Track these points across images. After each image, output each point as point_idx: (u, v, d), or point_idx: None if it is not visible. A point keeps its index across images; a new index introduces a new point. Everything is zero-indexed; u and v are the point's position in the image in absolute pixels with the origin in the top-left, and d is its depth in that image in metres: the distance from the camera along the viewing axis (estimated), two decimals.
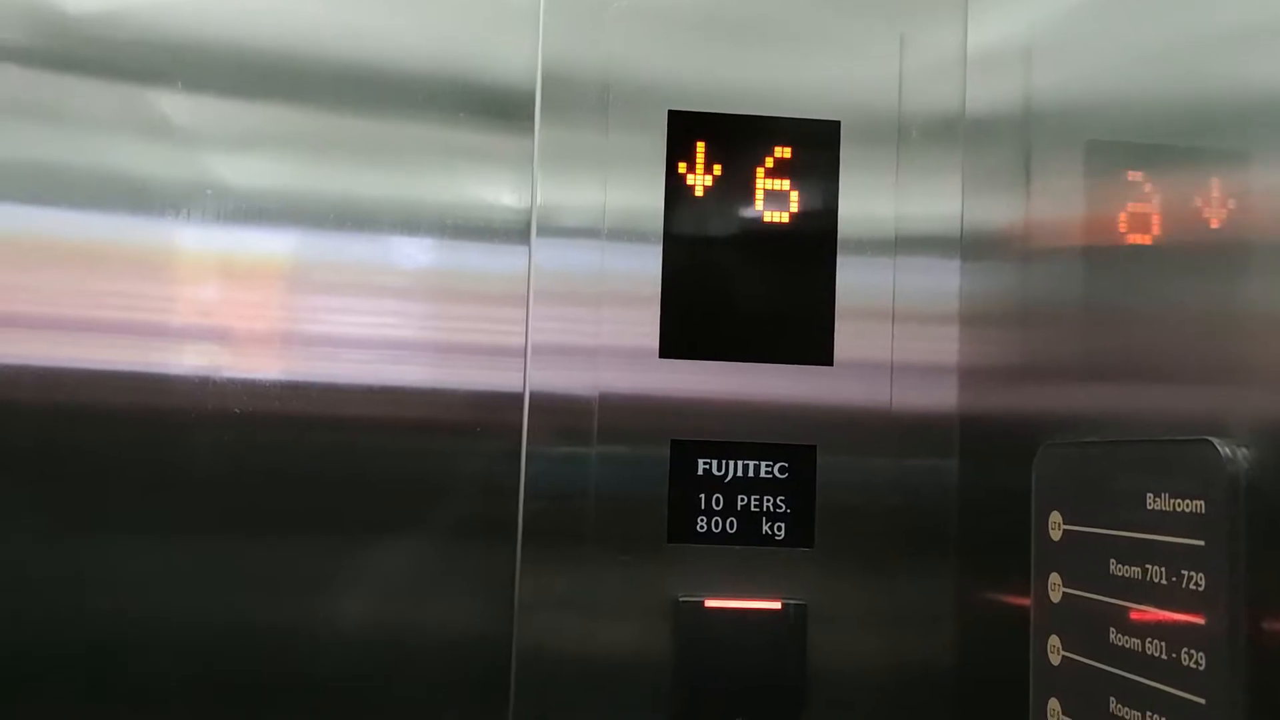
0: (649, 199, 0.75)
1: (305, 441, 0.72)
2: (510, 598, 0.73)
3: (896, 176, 0.77)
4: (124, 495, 0.71)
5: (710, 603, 0.73)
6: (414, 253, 0.75)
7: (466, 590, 0.73)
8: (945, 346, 0.76)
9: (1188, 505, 0.48)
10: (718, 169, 0.76)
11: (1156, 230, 0.55)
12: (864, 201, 0.76)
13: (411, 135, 0.75)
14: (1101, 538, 0.54)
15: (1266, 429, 0.46)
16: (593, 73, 0.75)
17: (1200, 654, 0.46)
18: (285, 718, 0.72)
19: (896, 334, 0.76)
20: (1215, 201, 0.50)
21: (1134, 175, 0.57)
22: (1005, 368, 0.71)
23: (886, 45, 0.77)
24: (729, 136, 0.76)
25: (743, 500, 0.75)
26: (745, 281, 0.76)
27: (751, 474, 0.75)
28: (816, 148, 0.77)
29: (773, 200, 0.76)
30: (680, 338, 0.75)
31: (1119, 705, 0.52)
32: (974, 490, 0.74)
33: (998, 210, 0.73)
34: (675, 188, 0.76)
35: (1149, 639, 0.50)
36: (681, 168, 0.76)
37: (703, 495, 0.75)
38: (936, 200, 0.77)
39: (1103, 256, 0.60)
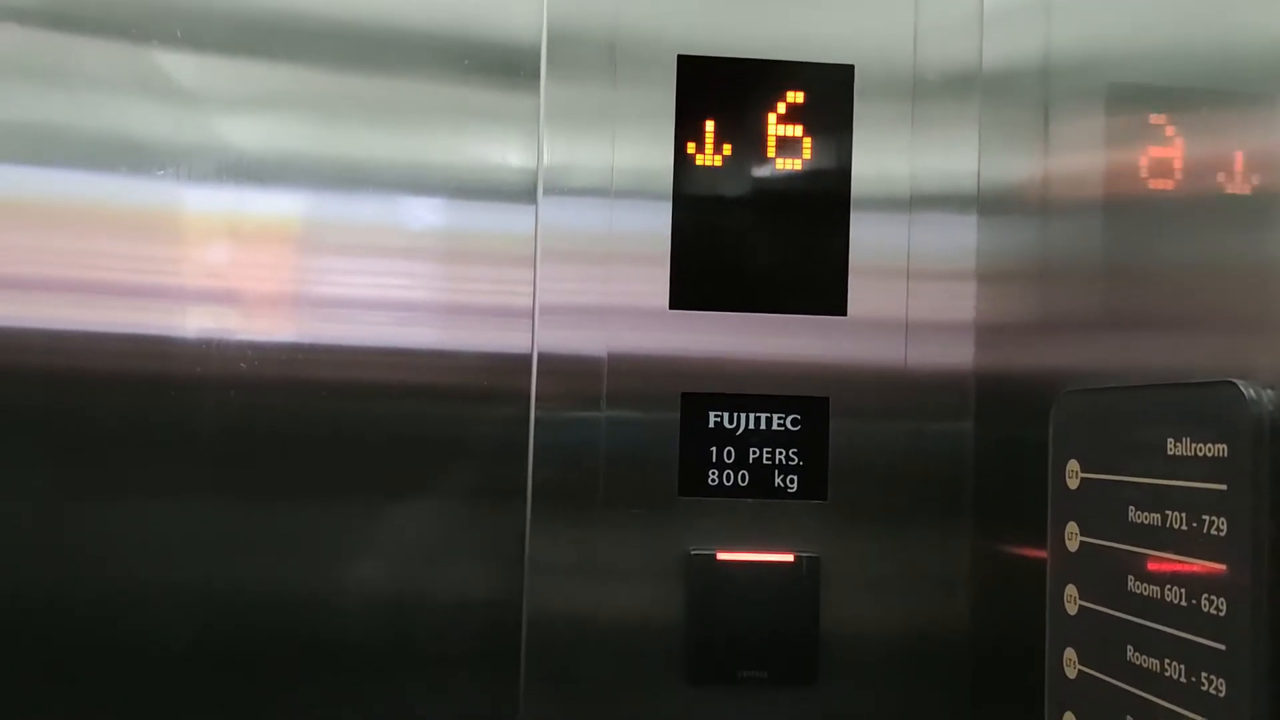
0: (658, 154, 0.74)
1: (310, 404, 0.72)
2: (520, 558, 0.73)
3: (912, 132, 0.76)
4: (128, 459, 0.71)
5: (722, 555, 0.73)
6: (420, 213, 0.74)
7: (477, 552, 0.73)
8: (962, 303, 0.75)
9: (1210, 449, 0.47)
10: (729, 117, 0.75)
11: (1177, 182, 0.54)
12: (879, 157, 0.75)
13: (416, 94, 0.74)
14: (1120, 485, 0.53)
15: None
16: (599, 26, 0.74)
17: (1221, 600, 0.46)
18: (295, 681, 0.72)
19: (912, 290, 0.75)
20: (1237, 151, 0.50)
21: (1154, 127, 0.56)
22: (1023, 324, 0.70)
23: None
24: (740, 82, 0.75)
25: (755, 453, 0.75)
26: (757, 231, 0.75)
27: (764, 426, 0.75)
28: (830, 93, 0.75)
29: (785, 149, 0.75)
30: (691, 289, 0.74)
31: (1137, 654, 0.51)
32: (990, 446, 0.74)
33: (1015, 165, 0.72)
34: (685, 139, 0.74)
35: (1168, 586, 0.49)
36: (692, 117, 0.74)
37: (714, 448, 0.74)
38: (952, 155, 0.75)
39: (1122, 209, 0.59)
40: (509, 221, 0.74)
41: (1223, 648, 0.46)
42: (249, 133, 0.73)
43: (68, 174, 0.72)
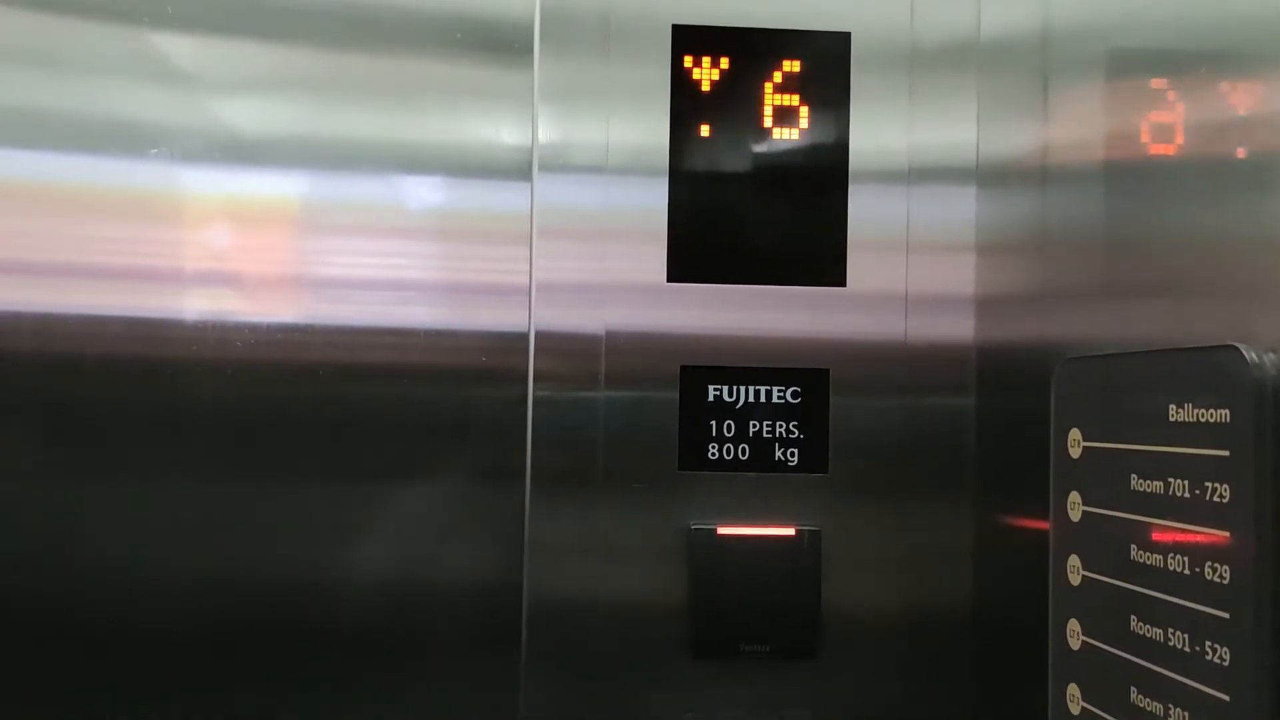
0: (654, 128, 0.74)
1: (306, 386, 0.72)
2: (520, 538, 0.73)
3: (910, 102, 0.75)
4: (124, 443, 0.71)
5: (723, 530, 0.73)
6: (415, 192, 0.74)
7: (477, 533, 0.73)
8: (962, 275, 0.75)
9: (1212, 415, 0.46)
10: (725, 87, 0.74)
11: (1176, 149, 0.54)
12: (877, 128, 0.75)
13: (410, 72, 0.73)
14: (1122, 453, 0.53)
15: None
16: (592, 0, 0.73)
17: (1224, 567, 0.45)
18: (294, 663, 0.72)
19: (911, 263, 0.75)
20: (1236, 119, 0.49)
21: (1153, 94, 0.55)
22: (1023, 295, 0.70)
23: None
24: (735, 51, 0.74)
25: (755, 426, 0.74)
26: (755, 204, 0.74)
27: (763, 399, 0.74)
28: (827, 62, 0.74)
29: (783, 120, 0.74)
30: (688, 262, 0.74)
31: (1140, 623, 0.51)
32: (992, 419, 0.73)
33: (1014, 136, 0.71)
34: (681, 110, 0.74)
35: (1171, 555, 0.49)
36: (687, 89, 0.74)
37: (714, 422, 0.74)
38: (951, 126, 0.75)
39: (1122, 178, 0.58)
40: (504, 199, 0.74)
41: (1226, 616, 0.45)
42: (243, 113, 0.72)
43: (60, 157, 0.71)
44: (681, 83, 0.74)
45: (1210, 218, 0.51)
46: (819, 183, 0.75)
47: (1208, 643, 0.46)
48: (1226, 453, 0.45)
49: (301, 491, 0.72)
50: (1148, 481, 0.51)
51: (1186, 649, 0.47)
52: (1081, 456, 0.56)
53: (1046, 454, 0.59)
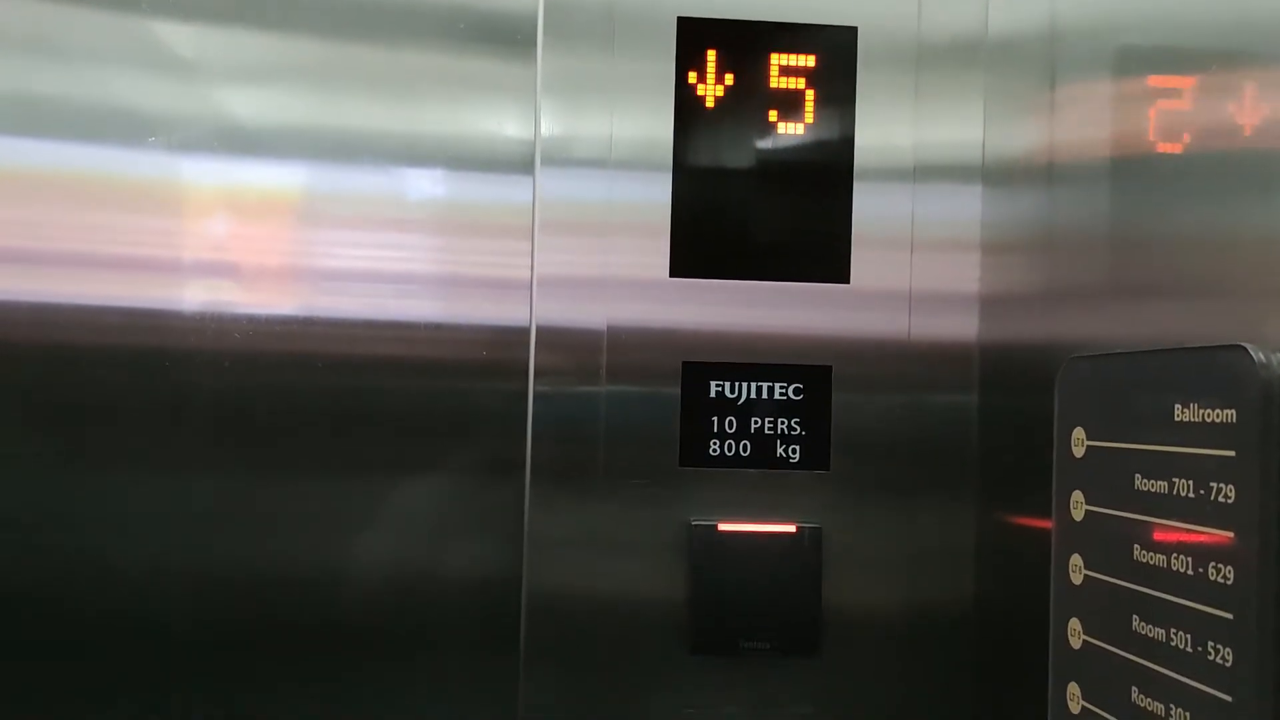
0: (658, 122, 0.73)
1: (305, 378, 0.72)
2: (520, 533, 0.72)
3: (916, 99, 0.75)
4: (122, 433, 0.71)
5: (724, 526, 0.73)
6: (417, 184, 0.73)
7: (476, 527, 0.73)
8: (966, 273, 0.74)
9: (1218, 415, 0.46)
10: (730, 80, 0.74)
11: (1183, 148, 0.53)
12: (882, 125, 0.74)
13: (412, 64, 0.73)
14: (1126, 453, 0.52)
15: None
16: None
17: (1228, 568, 0.45)
18: (293, 656, 0.72)
19: (915, 261, 0.75)
20: (1244, 118, 0.49)
21: (1160, 93, 0.55)
22: (1028, 294, 0.70)
23: None
24: (741, 44, 0.74)
25: (756, 422, 0.74)
26: (759, 199, 0.74)
27: (765, 395, 0.74)
28: (834, 56, 0.74)
29: (788, 114, 0.74)
30: (691, 257, 0.74)
31: (1142, 623, 0.51)
32: (995, 417, 0.73)
33: (1020, 134, 0.71)
34: (685, 103, 0.73)
35: (1175, 555, 0.49)
36: (692, 80, 0.73)
37: (715, 418, 0.74)
38: (957, 124, 0.75)
39: (1128, 177, 0.58)
40: (507, 193, 0.73)
41: (1230, 616, 0.45)
42: (244, 102, 0.72)
43: (59, 145, 0.71)
44: (686, 76, 0.73)
45: (1217, 217, 0.51)
46: (823, 179, 0.74)
47: (1210, 643, 0.46)
48: (1232, 453, 0.45)
49: (300, 485, 0.72)
50: (1152, 481, 0.50)
51: (1189, 649, 0.47)
52: (1085, 456, 0.56)
53: (1049, 453, 0.59)
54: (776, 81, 0.74)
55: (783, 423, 0.74)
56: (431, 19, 0.73)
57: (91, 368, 0.70)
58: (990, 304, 0.74)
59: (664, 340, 0.74)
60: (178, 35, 0.72)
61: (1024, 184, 0.71)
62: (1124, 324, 0.57)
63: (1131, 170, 0.58)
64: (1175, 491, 0.49)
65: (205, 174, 0.72)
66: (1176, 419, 0.49)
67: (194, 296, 0.71)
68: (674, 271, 0.74)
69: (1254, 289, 0.48)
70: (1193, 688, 0.47)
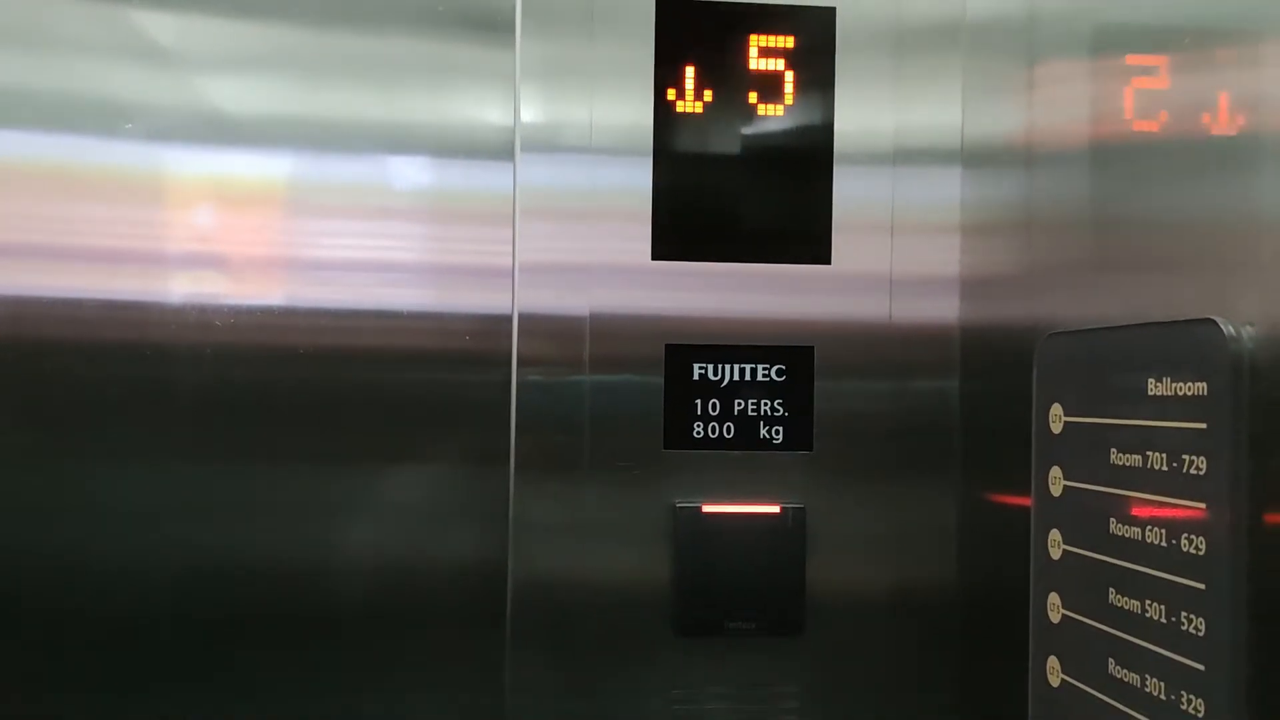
0: (638, 107, 0.74)
1: (288, 368, 0.71)
2: (505, 519, 0.73)
3: (895, 82, 0.75)
4: (106, 426, 0.71)
5: (708, 508, 0.73)
6: (397, 172, 0.73)
7: (461, 515, 0.73)
8: (946, 255, 0.75)
9: (1190, 388, 0.47)
10: (710, 66, 0.74)
11: (1159, 128, 0.54)
12: (862, 108, 0.75)
13: (392, 51, 0.73)
14: (1102, 428, 0.53)
15: (1274, 318, 0.44)
16: None
17: (1200, 539, 0.46)
18: (275, 645, 0.72)
19: (896, 243, 0.75)
20: (1219, 99, 0.49)
21: (1136, 75, 0.55)
22: (1007, 276, 0.70)
23: None
24: (721, 27, 0.74)
25: (740, 404, 0.74)
26: (739, 182, 0.74)
27: (748, 377, 0.75)
28: (813, 38, 0.74)
29: (768, 97, 0.74)
30: (673, 240, 0.74)
31: (1119, 595, 0.51)
32: (975, 398, 0.74)
33: (999, 116, 0.72)
34: (665, 90, 0.74)
35: (1149, 527, 0.49)
36: (672, 66, 0.73)
37: (699, 400, 0.74)
38: (936, 106, 0.75)
39: (1104, 158, 0.58)
40: (487, 180, 0.73)
41: (1202, 587, 0.46)
42: (224, 92, 0.72)
43: (39, 135, 0.71)
44: (665, 61, 0.74)
45: (1192, 196, 0.51)
46: (804, 162, 0.75)
47: (1184, 613, 0.47)
48: (1204, 425, 0.46)
49: (284, 474, 0.72)
50: (1127, 455, 0.51)
51: (1163, 620, 0.48)
52: (1063, 431, 0.57)
53: (1029, 432, 0.59)
54: (756, 64, 0.74)
55: (766, 404, 0.75)
56: (411, 6, 0.73)
57: (72, 360, 0.70)
58: (970, 285, 0.74)
59: (647, 325, 0.74)
60: (157, 23, 0.71)
61: (1003, 166, 0.71)
62: (1102, 303, 0.58)
63: (1108, 151, 0.58)
64: (1149, 465, 0.49)
65: (186, 163, 0.71)
66: (1150, 393, 0.49)
67: (176, 288, 0.71)
68: (656, 255, 0.74)
69: (1227, 265, 0.48)
70: (1167, 657, 0.48)
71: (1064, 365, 0.57)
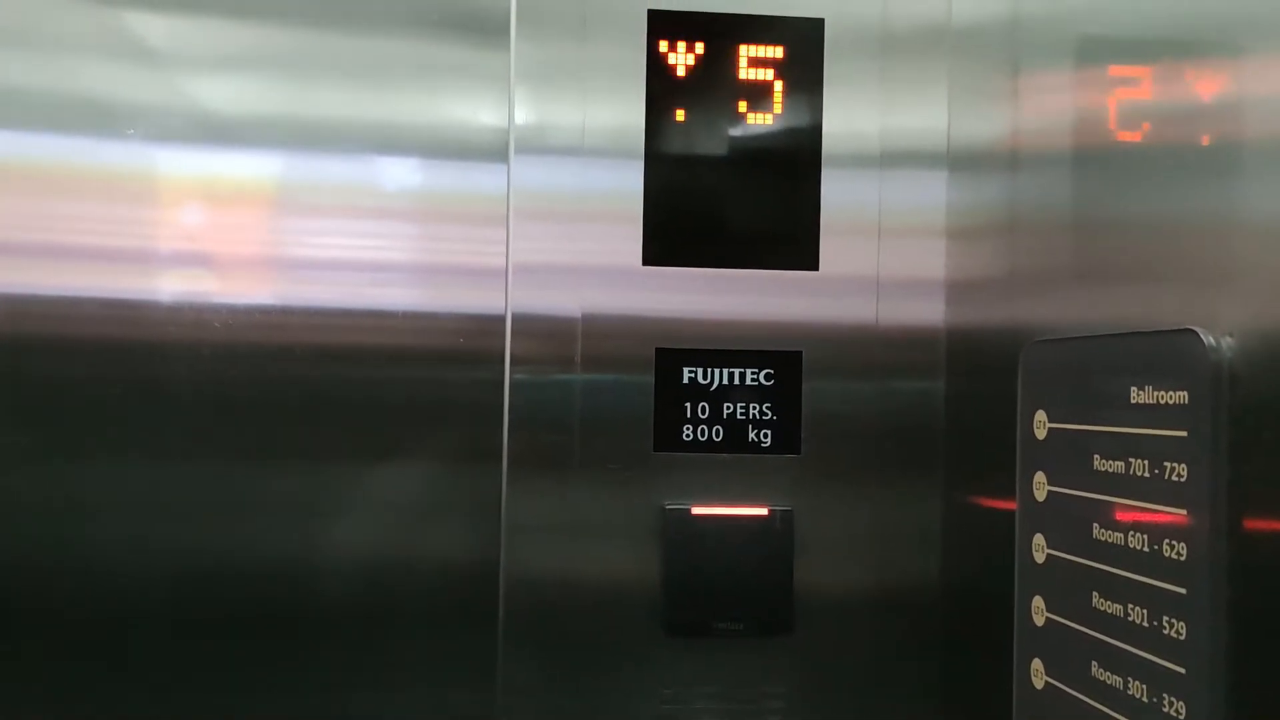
0: (629, 111, 0.74)
1: (282, 367, 0.72)
2: (497, 519, 0.73)
3: (882, 87, 0.76)
4: (101, 425, 0.71)
5: (697, 509, 0.74)
6: (392, 173, 0.74)
7: (454, 514, 0.73)
8: (932, 259, 0.75)
9: (1171, 396, 0.47)
10: (700, 74, 0.74)
11: (1142, 135, 0.54)
12: (849, 115, 0.75)
13: (387, 52, 0.73)
14: (1086, 434, 0.54)
15: (1251, 325, 0.45)
16: None
17: (1181, 545, 0.47)
18: (269, 644, 0.72)
19: (883, 247, 0.76)
20: (1202, 107, 0.50)
21: (1122, 82, 0.56)
22: (992, 279, 0.71)
23: None
24: (710, 36, 0.74)
25: (729, 408, 0.75)
26: (729, 187, 0.75)
27: (737, 381, 0.75)
28: (801, 47, 0.75)
29: (757, 104, 0.75)
30: (663, 245, 0.74)
31: (1101, 599, 0.52)
32: (961, 401, 0.74)
33: (984, 121, 0.72)
34: (656, 95, 0.74)
35: (1131, 533, 0.50)
36: (662, 73, 0.74)
37: (688, 403, 0.75)
38: (922, 111, 0.76)
39: (1089, 163, 0.59)
40: (481, 181, 0.74)
41: (1183, 591, 0.46)
42: (217, 92, 0.72)
43: (33, 136, 0.71)
44: (657, 67, 0.74)
45: (1175, 203, 0.52)
46: (792, 167, 0.75)
47: (1165, 617, 0.47)
48: (1185, 433, 0.46)
49: (278, 473, 0.72)
50: (1110, 462, 0.52)
51: (1145, 624, 0.49)
52: (1047, 437, 0.58)
53: (1014, 435, 0.60)
54: (745, 73, 0.74)
55: (754, 408, 0.75)
56: (405, 7, 0.73)
57: (66, 359, 0.70)
58: (956, 289, 0.75)
59: (637, 327, 0.74)
60: (150, 25, 0.72)
61: (988, 170, 0.72)
62: (1086, 307, 0.58)
63: (1091, 157, 0.59)
64: (1132, 471, 0.50)
65: (179, 164, 0.72)
66: (1132, 401, 0.50)
67: (171, 287, 0.71)
68: (646, 260, 0.74)
69: (1210, 272, 0.49)
70: (1149, 661, 0.48)
71: (1048, 372, 0.58)
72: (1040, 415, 0.58)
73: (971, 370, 0.73)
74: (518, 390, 0.73)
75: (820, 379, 0.75)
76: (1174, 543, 0.47)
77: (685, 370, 0.75)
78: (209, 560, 0.72)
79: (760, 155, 0.75)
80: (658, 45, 0.74)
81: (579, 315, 0.74)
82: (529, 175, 0.74)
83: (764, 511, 0.74)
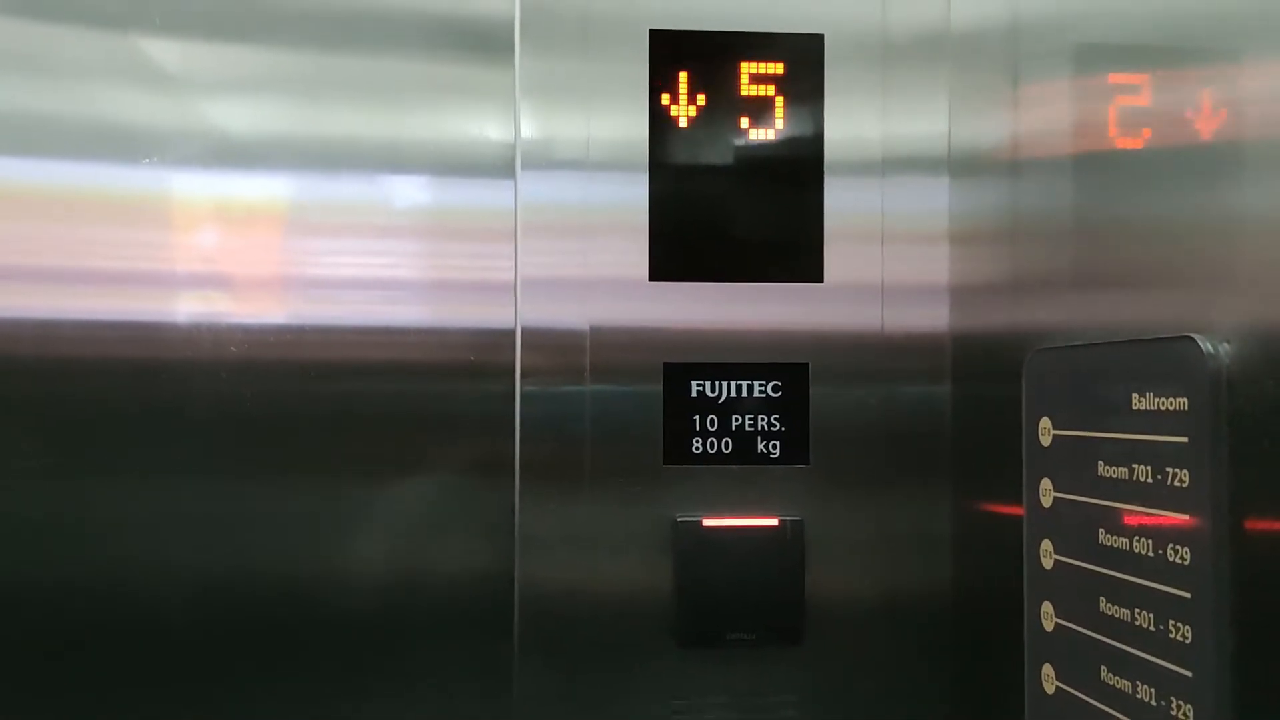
0: (633, 125, 0.75)
1: (297, 385, 0.73)
2: (511, 531, 0.74)
3: (882, 96, 0.76)
4: (121, 445, 0.72)
5: (708, 521, 0.74)
6: (401, 191, 0.75)
7: (469, 527, 0.74)
8: (935, 265, 0.76)
9: (1171, 403, 0.48)
10: (701, 89, 0.75)
11: (1143, 141, 0.55)
12: (850, 123, 0.76)
13: (393, 72, 0.74)
14: (1090, 441, 0.54)
15: (1250, 329, 0.46)
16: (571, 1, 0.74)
17: (1185, 549, 0.47)
18: (286, 658, 0.73)
19: (886, 254, 0.76)
20: (1202, 111, 0.50)
21: (1121, 86, 0.56)
22: (996, 284, 0.71)
23: None
24: (712, 54, 0.75)
25: (737, 420, 0.75)
26: (733, 202, 0.76)
27: (745, 393, 0.76)
28: (801, 62, 0.76)
29: (759, 119, 0.75)
30: (669, 260, 0.75)
31: (1109, 604, 0.52)
32: (968, 407, 0.74)
33: (985, 127, 0.72)
34: (659, 111, 0.75)
35: (1136, 538, 0.50)
36: (664, 90, 0.75)
37: (697, 417, 0.75)
38: (923, 119, 0.76)
39: (1089, 168, 0.59)
40: (489, 196, 0.74)
41: (1188, 595, 0.47)
42: (230, 116, 0.73)
43: (53, 163, 0.72)
44: (658, 88, 0.75)
45: (1174, 208, 0.52)
46: (796, 180, 0.76)
47: (1171, 621, 0.48)
48: (1185, 439, 0.47)
49: (295, 488, 0.73)
50: (1113, 468, 0.52)
51: (1152, 628, 0.49)
52: (1052, 445, 0.58)
53: (1020, 440, 0.60)
54: (747, 89, 0.75)
55: (763, 419, 0.76)
56: (411, 27, 0.74)
57: (89, 380, 0.71)
58: (960, 294, 0.75)
59: (645, 341, 0.75)
60: (164, 51, 0.73)
61: (989, 176, 0.72)
62: (1088, 311, 0.58)
63: (1092, 162, 0.59)
64: (1135, 477, 0.50)
65: (195, 187, 0.73)
66: (1134, 407, 0.50)
67: (188, 308, 0.73)
68: (654, 275, 0.75)
69: (1209, 277, 0.49)
70: (1156, 664, 0.49)
71: (1051, 380, 0.58)
72: (1045, 422, 0.58)
73: (978, 375, 0.73)
74: (529, 402, 0.74)
75: (828, 388, 0.76)
76: (1177, 547, 0.47)
77: (694, 384, 0.75)
78: (228, 574, 0.73)
79: (763, 168, 0.76)
80: (659, 63, 0.75)
81: (587, 328, 0.75)
82: (536, 190, 0.74)
83: (774, 522, 0.75)
